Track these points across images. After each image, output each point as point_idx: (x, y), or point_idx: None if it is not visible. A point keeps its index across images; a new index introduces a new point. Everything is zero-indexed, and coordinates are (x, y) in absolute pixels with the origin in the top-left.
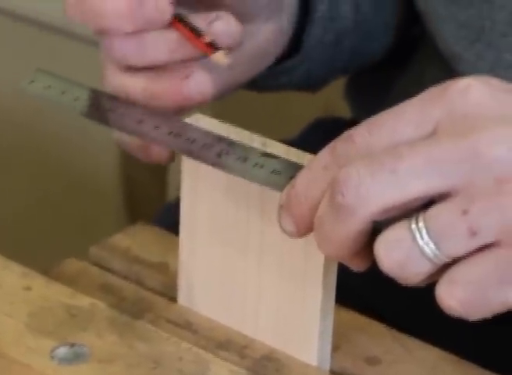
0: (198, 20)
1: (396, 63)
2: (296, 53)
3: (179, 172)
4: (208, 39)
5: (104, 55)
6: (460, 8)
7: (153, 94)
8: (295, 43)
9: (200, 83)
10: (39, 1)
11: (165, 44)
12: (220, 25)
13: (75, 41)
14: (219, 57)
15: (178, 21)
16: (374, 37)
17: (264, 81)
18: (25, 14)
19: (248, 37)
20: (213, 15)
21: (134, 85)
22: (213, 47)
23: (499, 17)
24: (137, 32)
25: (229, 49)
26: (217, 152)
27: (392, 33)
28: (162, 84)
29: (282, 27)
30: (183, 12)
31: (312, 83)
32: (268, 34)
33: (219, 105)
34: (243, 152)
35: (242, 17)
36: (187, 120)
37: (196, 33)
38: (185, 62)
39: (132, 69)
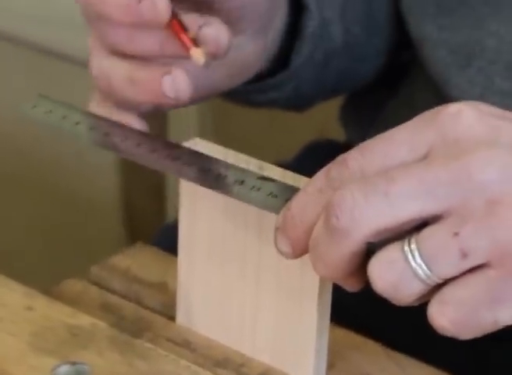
0: (189, 23)
1: (388, 86)
2: (285, 70)
3: (177, 194)
4: (191, 35)
5: (96, 37)
6: (452, 34)
7: (133, 82)
8: (283, 60)
9: (177, 82)
10: (40, 26)
11: (155, 39)
12: (209, 30)
13: (75, 66)
14: (198, 54)
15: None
16: (364, 59)
17: (254, 96)
18: (26, 39)
19: (232, 48)
20: (204, 19)
21: (118, 70)
22: (194, 44)
23: (489, 44)
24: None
25: (214, 56)
26: (215, 175)
27: (383, 57)
28: (143, 75)
29: (266, 44)
30: (175, 9)
31: (301, 102)
32: (252, 49)
33: (218, 128)
34: (241, 175)
35: (230, 29)
36: (185, 144)
37: (182, 27)
38: (173, 58)
39: (120, 54)
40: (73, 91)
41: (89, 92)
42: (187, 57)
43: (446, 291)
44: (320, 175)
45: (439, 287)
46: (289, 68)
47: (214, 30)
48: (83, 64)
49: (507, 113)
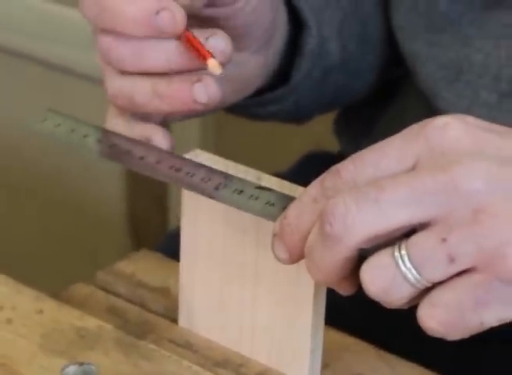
0: (196, 35)
1: (379, 100)
2: (285, 85)
3: (179, 203)
4: (207, 48)
5: (101, 57)
6: (441, 51)
7: (162, 96)
8: (283, 74)
9: (210, 86)
10: (50, 44)
11: (162, 53)
12: (215, 41)
13: (84, 81)
14: (215, 65)
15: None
16: (359, 75)
17: (255, 109)
18: (36, 55)
19: (234, 65)
20: (210, 31)
21: (141, 87)
22: (211, 55)
23: (476, 59)
24: (142, 38)
25: (222, 66)
26: (215, 185)
27: (376, 72)
28: (172, 87)
29: (267, 60)
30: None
31: (300, 115)
32: (254, 65)
33: (218, 140)
34: (240, 185)
35: (234, 45)
36: (187, 156)
37: (196, 39)
38: (179, 73)
39: (133, 73)
40: (81, 105)
41: (96, 106)
42: (196, 69)
43: (435, 295)
44: (315, 184)
45: (427, 290)
46: (290, 83)
47: (219, 40)
48: (91, 79)
49: (493, 126)
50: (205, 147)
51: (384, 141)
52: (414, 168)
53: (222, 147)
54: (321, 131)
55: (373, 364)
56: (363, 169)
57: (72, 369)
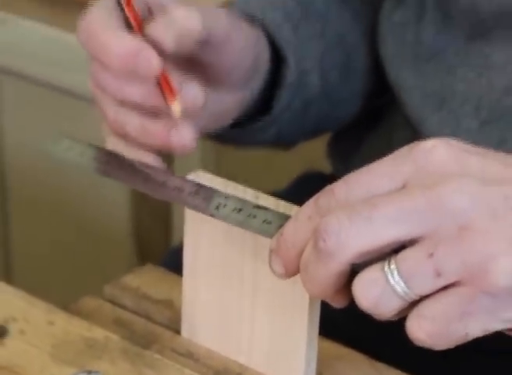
0: (173, 79)
1: (368, 121)
2: (265, 115)
3: (182, 220)
4: (182, 93)
5: (91, 81)
6: (426, 80)
7: (146, 131)
8: (263, 102)
9: (183, 136)
10: (62, 71)
11: (137, 90)
12: (188, 88)
13: (93, 106)
14: (177, 109)
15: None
16: (341, 104)
17: (240, 139)
18: (49, 81)
19: (212, 99)
20: (185, 77)
21: (132, 119)
22: (175, 99)
23: (458, 88)
24: (123, 72)
25: (189, 112)
26: (215, 204)
27: (359, 101)
28: (154, 127)
29: (245, 97)
30: (165, 64)
31: (283, 143)
32: (231, 101)
33: (219, 162)
34: (239, 204)
35: (212, 83)
36: (189, 176)
37: (168, 82)
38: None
39: (126, 104)
40: (90, 129)
41: (103, 130)
42: (166, 109)
43: (422, 307)
44: (309, 203)
45: (415, 303)
46: (271, 115)
47: (193, 89)
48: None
49: (476, 148)
50: (206, 168)
51: (375, 162)
52: (403, 187)
53: (222, 168)
54: (315, 153)
55: (365, 372)
56: (355, 189)
57: None
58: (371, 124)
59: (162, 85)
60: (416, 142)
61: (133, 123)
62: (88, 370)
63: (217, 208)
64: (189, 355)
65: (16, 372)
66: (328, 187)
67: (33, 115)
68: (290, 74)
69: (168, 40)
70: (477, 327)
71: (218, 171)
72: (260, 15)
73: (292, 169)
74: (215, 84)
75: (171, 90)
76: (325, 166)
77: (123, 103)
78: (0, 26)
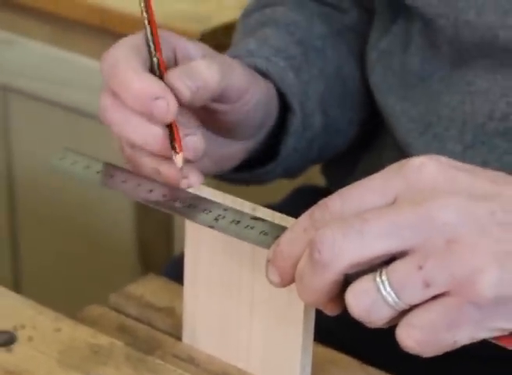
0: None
1: (360, 147)
2: (273, 160)
3: (184, 231)
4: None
5: (100, 113)
6: (413, 105)
7: (158, 174)
8: (269, 148)
9: (192, 183)
10: (66, 89)
11: (142, 135)
12: (192, 140)
13: (97, 122)
14: (179, 160)
15: None
16: (340, 133)
17: (249, 180)
18: (56, 100)
19: (217, 145)
20: (190, 130)
21: (145, 161)
22: (180, 149)
23: (443, 113)
24: (135, 112)
25: (189, 161)
26: (215, 216)
27: (355, 128)
28: (166, 170)
29: (250, 146)
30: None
31: (290, 175)
32: (235, 150)
33: None
34: (237, 216)
35: (221, 131)
36: (190, 190)
37: (177, 131)
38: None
39: (136, 148)
40: (94, 144)
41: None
42: (168, 156)
43: (412, 316)
44: (305, 216)
45: (405, 312)
46: (277, 159)
47: (196, 141)
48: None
49: (464, 165)
50: (206, 183)
51: (367, 177)
52: (394, 202)
53: (221, 182)
54: (310, 168)
55: None
56: (349, 203)
57: None
58: (363, 145)
59: (172, 133)
60: (407, 159)
61: (148, 165)
62: None
63: (216, 219)
64: (190, 361)
65: None
66: (323, 201)
67: (39, 131)
68: (296, 121)
69: (185, 91)
70: (464, 336)
71: (218, 185)
72: (264, 63)
73: (287, 183)
74: (224, 133)
75: (177, 141)
76: (320, 180)
77: (134, 144)
78: (6, 46)
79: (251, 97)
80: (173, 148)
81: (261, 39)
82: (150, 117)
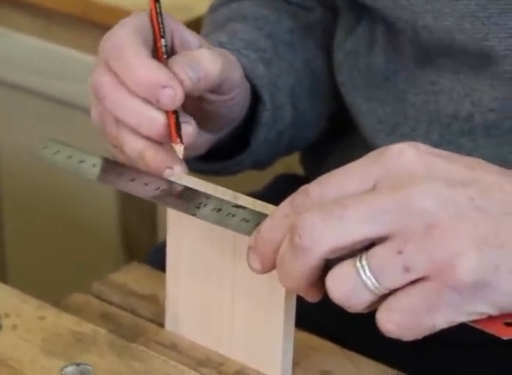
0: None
1: (331, 141)
2: (243, 152)
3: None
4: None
5: (92, 88)
6: (379, 105)
7: (142, 159)
8: (238, 138)
9: (177, 172)
10: (53, 80)
11: (138, 117)
12: (187, 127)
13: (83, 112)
14: (180, 151)
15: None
16: (308, 127)
17: (221, 171)
18: (42, 91)
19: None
20: (187, 117)
21: (132, 143)
22: (181, 140)
23: (409, 113)
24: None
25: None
26: (196, 204)
27: (324, 121)
28: (156, 157)
29: (214, 139)
30: None
31: (259, 167)
32: (200, 142)
33: None
34: (218, 204)
35: (200, 122)
36: (172, 178)
37: (178, 122)
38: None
39: (135, 132)
40: (78, 135)
41: (92, 135)
42: (159, 142)
43: (392, 300)
44: (285, 203)
45: (385, 296)
46: (248, 150)
47: (191, 129)
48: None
49: (442, 152)
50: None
51: (347, 165)
52: (373, 189)
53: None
54: (290, 157)
55: (339, 362)
56: (329, 189)
57: (70, 369)
58: (333, 139)
59: (171, 122)
60: (386, 146)
61: (133, 147)
62: (77, 363)
63: (198, 207)
64: (173, 347)
65: (8, 365)
66: (304, 188)
67: (26, 122)
68: (267, 113)
69: (187, 81)
70: (443, 319)
71: (199, 174)
72: (236, 55)
73: (268, 172)
74: (200, 122)
75: (178, 129)
76: (299, 169)
77: (125, 125)
78: None
79: (240, 91)
80: (175, 137)
81: (232, 32)
82: (155, 104)
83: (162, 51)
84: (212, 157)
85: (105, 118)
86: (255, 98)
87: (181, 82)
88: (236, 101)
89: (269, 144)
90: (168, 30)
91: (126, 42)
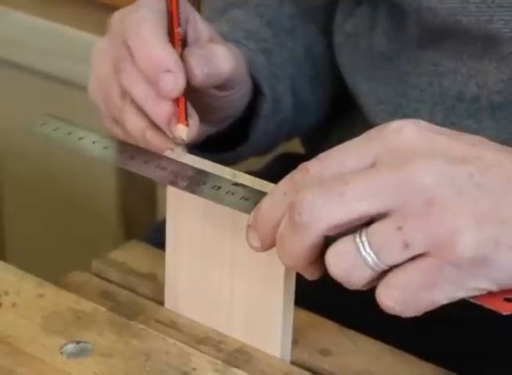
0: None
1: (333, 122)
2: (242, 144)
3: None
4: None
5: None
6: (381, 86)
7: (145, 137)
8: (239, 129)
9: (178, 154)
10: (52, 58)
11: (145, 91)
12: (191, 120)
13: (80, 90)
14: (183, 131)
15: None
16: (310, 114)
17: (218, 161)
18: (40, 69)
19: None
20: (189, 110)
21: (134, 121)
22: (186, 122)
23: (412, 95)
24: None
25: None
26: (196, 182)
27: (326, 107)
28: (156, 138)
29: (210, 131)
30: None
31: (257, 155)
32: (201, 132)
33: None
34: (217, 182)
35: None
36: (171, 156)
37: (185, 106)
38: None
39: (138, 108)
40: (76, 113)
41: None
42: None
43: (391, 277)
44: (285, 180)
45: (385, 273)
46: (248, 141)
47: (194, 122)
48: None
49: (443, 129)
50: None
51: (347, 142)
52: (373, 165)
53: None
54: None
55: (337, 340)
56: (329, 166)
57: (70, 347)
58: (336, 116)
59: (180, 106)
60: (386, 123)
61: (136, 126)
62: (77, 340)
63: (197, 185)
64: (172, 325)
65: (8, 342)
66: (303, 165)
67: (25, 100)
68: (267, 105)
69: (200, 75)
70: (442, 296)
71: None
72: (237, 46)
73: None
74: (200, 115)
75: (184, 113)
76: (299, 148)
77: (132, 100)
78: None
79: (242, 87)
80: (183, 118)
81: (232, 21)
82: (153, 85)
83: (178, 39)
84: (209, 147)
85: (111, 90)
86: (255, 89)
87: (194, 75)
88: (237, 96)
89: (268, 136)
90: (184, 16)
91: (146, 20)
